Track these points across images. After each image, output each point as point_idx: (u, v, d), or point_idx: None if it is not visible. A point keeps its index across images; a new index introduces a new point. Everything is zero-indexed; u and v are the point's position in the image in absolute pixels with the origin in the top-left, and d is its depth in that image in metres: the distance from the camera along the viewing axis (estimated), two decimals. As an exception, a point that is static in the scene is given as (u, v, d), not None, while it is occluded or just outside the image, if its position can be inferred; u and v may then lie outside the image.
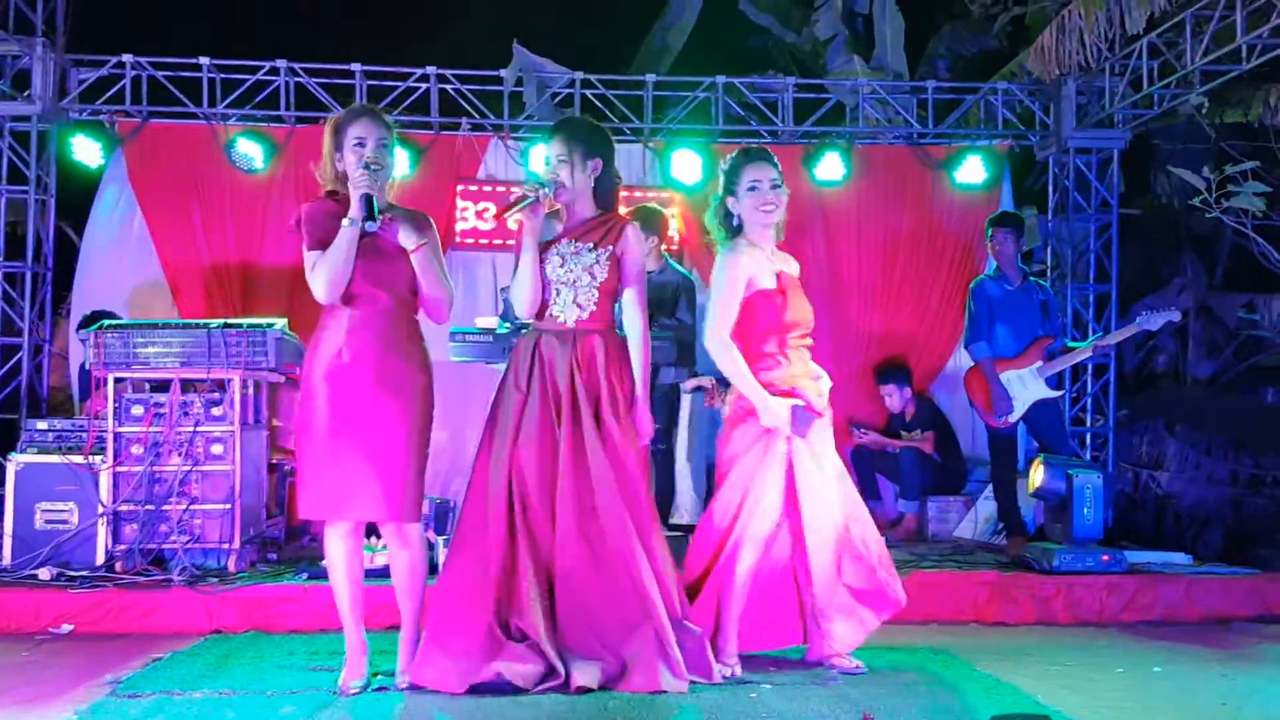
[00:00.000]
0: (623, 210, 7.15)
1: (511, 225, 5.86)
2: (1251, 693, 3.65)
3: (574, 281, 3.56)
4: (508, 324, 4.79)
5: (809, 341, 3.82)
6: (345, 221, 3.34)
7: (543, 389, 3.52)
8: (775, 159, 3.80)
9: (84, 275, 7.15)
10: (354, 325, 3.39)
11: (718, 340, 3.66)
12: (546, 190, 3.53)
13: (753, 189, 3.71)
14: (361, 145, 3.39)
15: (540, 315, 3.61)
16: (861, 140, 7.67)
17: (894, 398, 6.97)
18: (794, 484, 3.64)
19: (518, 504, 3.47)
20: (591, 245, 3.58)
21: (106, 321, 5.19)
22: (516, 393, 3.54)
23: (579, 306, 3.57)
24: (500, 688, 3.32)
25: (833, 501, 3.71)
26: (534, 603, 3.40)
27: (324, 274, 3.35)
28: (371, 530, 3.69)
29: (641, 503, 3.53)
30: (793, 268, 3.86)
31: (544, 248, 3.59)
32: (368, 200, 3.32)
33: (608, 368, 3.55)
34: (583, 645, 3.41)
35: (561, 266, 3.57)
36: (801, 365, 3.75)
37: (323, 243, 3.37)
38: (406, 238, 3.41)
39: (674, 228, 7.30)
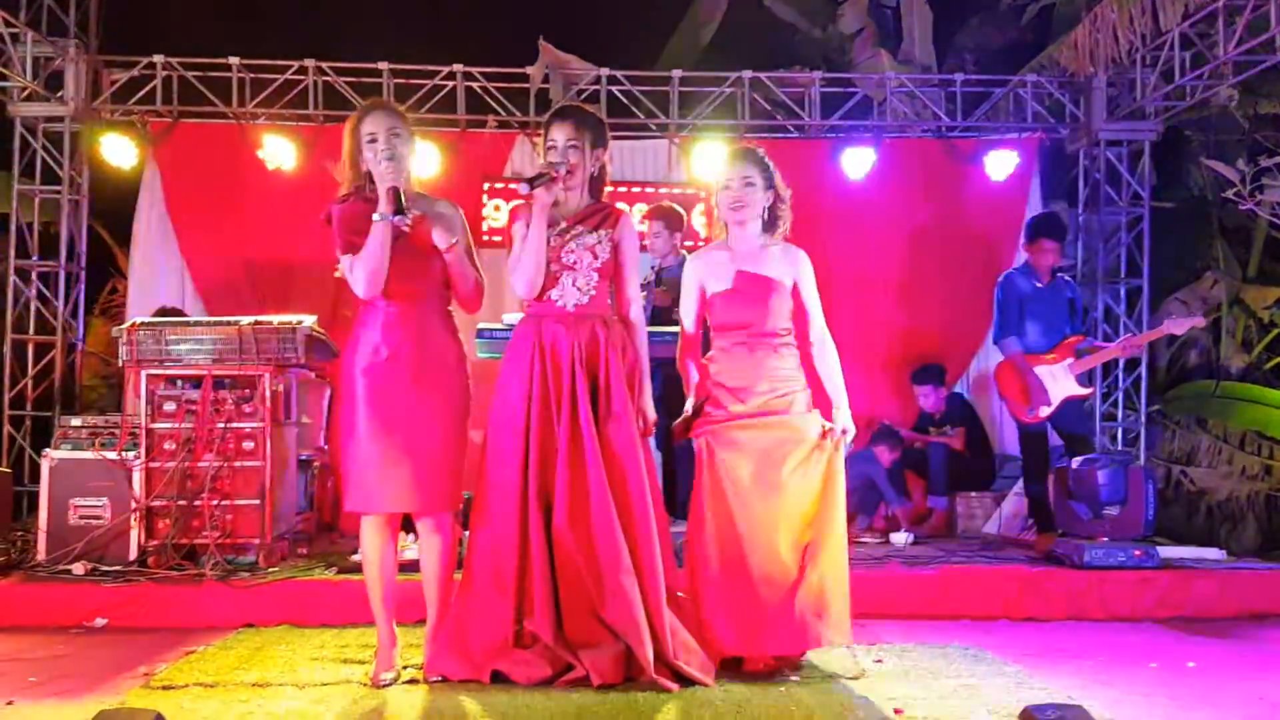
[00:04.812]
0: (644, 207, 7.11)
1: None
2: (1288, 689, 3.61)
3: (574, 264, 3.56)
4: None
5: (769, 340, 3.66)
6: (375, 217, 3.36)
7: (543, 378, 3.49)
8: (760, 157, 3.73)
9: (135, 275, 7.30)
10: (390, 321, 3.45)
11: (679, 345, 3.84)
12: (559, 170, 3.52)
13: (725, 188, 3.72)
14: (374, 140, 3.44)
15: (539, 298, 3.58)
16: (889, 134, 7.64)
17: (929, 398, 6.94)
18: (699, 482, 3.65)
19: (532, 502, 3.43)
20: (592, 228, 3.59)
21: (140, 319, 5.24)
22: (520, 383, 3.51)
23: (579, 290, 3.56)
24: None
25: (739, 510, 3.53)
26: (543, 602, 3.39)
27: (363, 271, 3.39)
28: (406, 527, 3.71)
29: (637, 495, 3.44)
30: (779, 268, 3.70)
31: None
32: (395, 194, 3.35)
33: (609, 354, 3.53)
34: (590, 635, 3.37)
35: (563, 248, 3.56)
36: (732, 365, 3.66)
37: (354, 245, 3.40)
38: (440, 237, 3.43)
39: (699, 224, 7.31)
